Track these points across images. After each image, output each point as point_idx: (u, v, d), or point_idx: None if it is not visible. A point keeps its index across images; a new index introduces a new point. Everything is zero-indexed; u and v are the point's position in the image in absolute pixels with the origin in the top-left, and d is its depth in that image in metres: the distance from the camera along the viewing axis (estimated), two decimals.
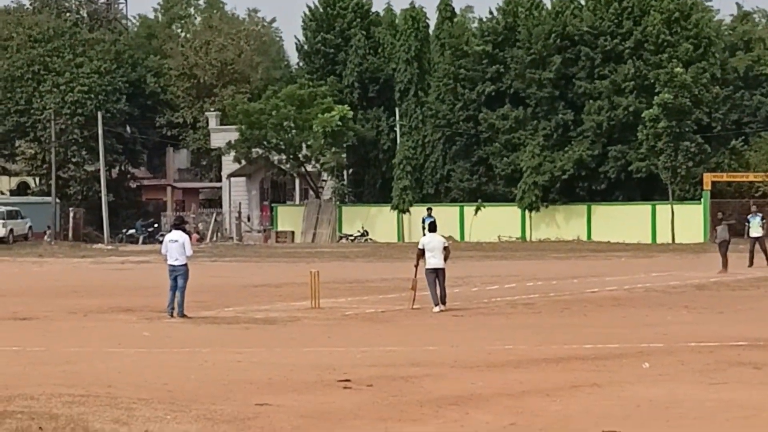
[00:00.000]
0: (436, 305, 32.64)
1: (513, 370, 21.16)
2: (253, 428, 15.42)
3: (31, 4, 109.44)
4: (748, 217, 65.07)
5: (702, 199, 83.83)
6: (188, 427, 15.32)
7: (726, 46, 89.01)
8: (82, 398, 17.26)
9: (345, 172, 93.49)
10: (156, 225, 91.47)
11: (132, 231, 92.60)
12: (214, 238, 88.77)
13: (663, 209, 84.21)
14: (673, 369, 21.06)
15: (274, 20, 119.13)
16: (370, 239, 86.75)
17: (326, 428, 15.41)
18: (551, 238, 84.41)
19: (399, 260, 59.25)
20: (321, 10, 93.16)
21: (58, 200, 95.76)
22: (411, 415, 16.34)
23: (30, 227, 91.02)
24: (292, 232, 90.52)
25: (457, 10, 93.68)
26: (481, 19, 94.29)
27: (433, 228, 36.17)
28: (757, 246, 55.37)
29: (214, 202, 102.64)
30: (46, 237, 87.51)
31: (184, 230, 34.62)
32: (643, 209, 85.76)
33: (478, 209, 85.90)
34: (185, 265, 31.82)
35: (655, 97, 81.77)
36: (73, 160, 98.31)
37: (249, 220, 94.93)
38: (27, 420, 15.30)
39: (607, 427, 15.10)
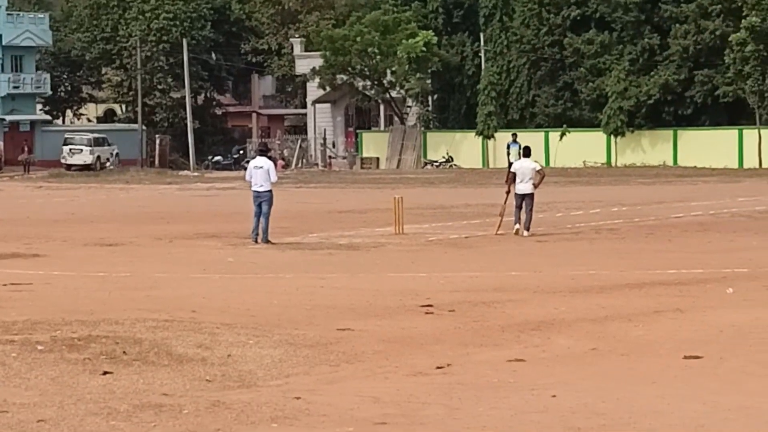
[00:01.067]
0: (516, 225, 32.71)
1: (595, 295, 21.09)
2: (335, 353, 15.42)
3: None
4: None
5: None
6: (270, 351, 15.36)
7: None
8: (165, 323, 17.37)
9: (430, 98, 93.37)
10: (242, 151, 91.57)
11: (218, 158, 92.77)
12: (299, 165, 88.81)
13: (750, 134, 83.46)
14: (758, 294, 20.94)
15: None
16: (455, 165, 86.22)
17: (407, 353, 15.39)
18: (637, 164, 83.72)
19: (483, 186, 59.14)
20: None
21: (144, 127, 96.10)
22: (492, 339, 16.32)
23: (117, 154, 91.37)
24: (377, 159, 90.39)
25: None
26: None
27: (527, 153, 36.58)
28: None
29: (299, 128, 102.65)
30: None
31: (269, 157, 34.95)
32: (730, 134, 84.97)
33: (563, 135, 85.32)
34: (270, 191, 31.95)
35: (743, 21, 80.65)
36: (159, 87, 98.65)
37: (334, 146, 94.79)
38: (111, 344, 15.43)
39: (689, 352, 15.00)
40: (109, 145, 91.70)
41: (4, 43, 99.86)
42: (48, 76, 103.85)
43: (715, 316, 18.26)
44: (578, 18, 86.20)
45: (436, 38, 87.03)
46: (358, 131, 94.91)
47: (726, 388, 13.02)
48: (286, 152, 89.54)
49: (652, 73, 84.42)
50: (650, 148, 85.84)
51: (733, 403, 12.09)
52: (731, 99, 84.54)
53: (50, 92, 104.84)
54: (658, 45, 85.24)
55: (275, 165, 36.42)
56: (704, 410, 11.87)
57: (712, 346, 15.60)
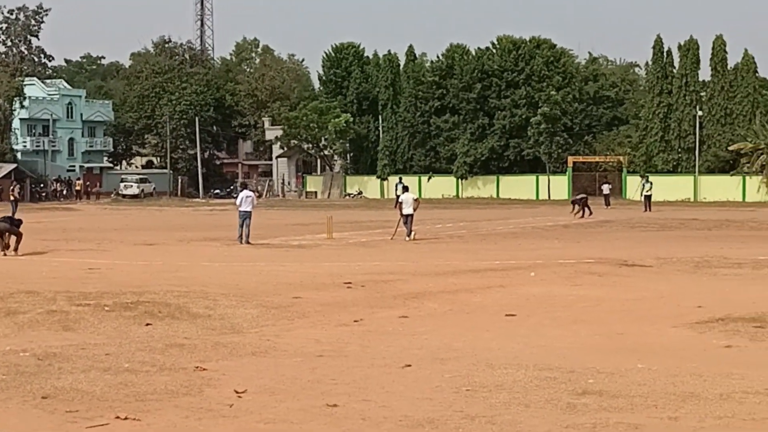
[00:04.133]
0: (408, 235, 32.96)
1: (450, 276, 21.21)
2: (292, 311, 15.61)
3: (153, 49, 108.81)
4: (602, 186, 66.51)
5: (566, 173, 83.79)
6: (251, 311, 15.52)
7: (582, 77, 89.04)
8: (185, 293, 17.38)
9: (348, 155, 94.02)
10: (232, 187, 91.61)
11: (217, 191, 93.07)
12: (267, 196, 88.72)
13: (543, 179, 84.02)
14: (549, 276, 21.13)
15: (303, 59, 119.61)
16: (364, 196, 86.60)
17: (336, 312, 15.59)
18: (474, 197, 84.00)
19: (381, 210, 59.29)
20: (333, 54, 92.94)
21: (171, 171, 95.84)
22: (388, 303, 16.54)
23: (154, 188, 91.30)
24: (316, 192, 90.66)
25: (417, 54, 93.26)
26: (432, 60, 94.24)
27: (406, 189, 37.99)
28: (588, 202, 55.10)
29: (267, 173, 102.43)
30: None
31: (251, 190, 35.47)
32: (530, 178, 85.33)
33: (429, 178, 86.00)
34: (250, 211, 32.06)
35: (539, 110, 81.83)
36: (181, 146, 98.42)
37: (289, 184, 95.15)
38: (151, 307, 15.49)
39: (508, 312, 15.25)
40: (149, 182, 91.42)
41: (84, 119, 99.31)
42: (111, 139, 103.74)
43: (523, 289, 18.47)
44: (439, 107, 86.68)
45: (352, 118, 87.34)
46: (304, 175, 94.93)
47: (532, 333, 13.25)
48: (259, 188, 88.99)
49: (484, 141, 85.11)
50: (483, 187, 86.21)
51: (536, 343, 12.29)
52: (531, 157, 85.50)
53: (112, 149, 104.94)
54: (488, 123, 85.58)
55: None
56: (519, 347, 12.05)
57: (523, 308, 15.84)
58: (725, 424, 8.45)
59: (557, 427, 8.24)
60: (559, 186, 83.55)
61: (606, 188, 67.41)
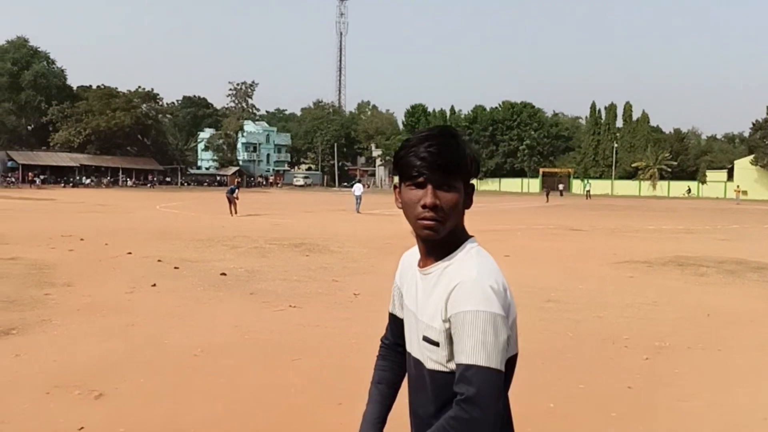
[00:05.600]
0: None
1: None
2: (385, 250, 15.09)
3: (313, 105, 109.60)
4: (559, 185, 65.33)
5: (539, 177, 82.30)
6: (363, 250, 15.15)
7: (549, 124, 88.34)
8: (327, 239, 17.12)
9: None
10: (352, 182, 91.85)
11: (345, 184, 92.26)
12: (371, 187, 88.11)
13: (525, 180, 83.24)
14: (529, 235, 20.40)
15: (394, 112, 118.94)
16: None
17: None
18: (486, 190, 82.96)
19: None
20: (410, 109, 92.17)
21: (321, 173, 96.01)
22: None
23: (312, 182, 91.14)
24: None
25: (456, 110, 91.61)
26: (465, 113, 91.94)
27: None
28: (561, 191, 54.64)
29: (372, 174, 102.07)
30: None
31: (362, 183, 34.58)
32: (518, 180, 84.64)
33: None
34: (360, 195, 31.54)
35: (524, 142, 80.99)
36: (326, 159, 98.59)
37: (384, 181, 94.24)
38: (309, 246, 15.19)
39: (506, 254, 14.74)
40: (309, 178, 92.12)
41: (275, 143, 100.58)
42: (289, 155, 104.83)
43: (514, 242, 17.83)
44: (467, 140, 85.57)
45: None
46: (393, 176, 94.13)
47: (519, 266, 12.77)
48: (367, 182, 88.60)
49: (493, 158, 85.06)
50: (491, 185, 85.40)
51: (521, 272, 11.83)
52: (519, 168, 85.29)
53: (289, 160, 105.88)
54: (495, 149, 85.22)
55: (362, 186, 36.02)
56: (509, 273, 11.62)
57: (514, 252, 15.20)
58: (628, 320, 8.22)
59: (533, 319, 8.07)
60: (534, 185, 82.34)
61: (561, 186, 67.53)
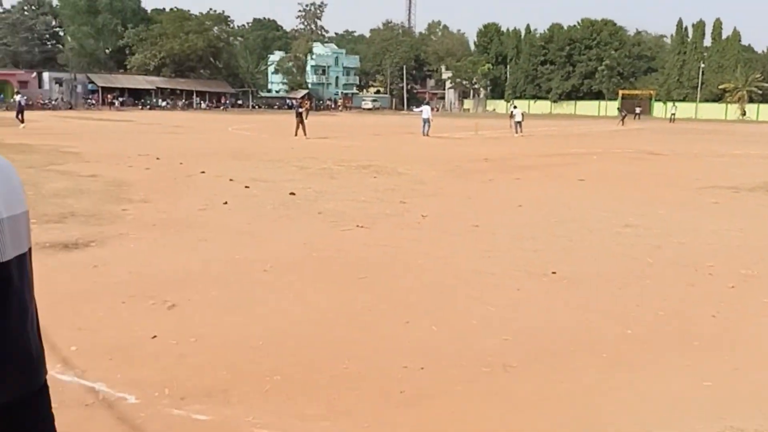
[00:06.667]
0: (517, 133, 31.36)
1: (544, 157, 19.83)
2: (453, 173, 14.92)
3: (383, 26, 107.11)
4: (636, 108, 62.13)
5: (617, 100, 78.27)
6: (431, 172, 14.92)
7: (631, 43, 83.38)
8: (395, 161, 16.93)
9: (488, 88, 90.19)
10: (421, 105, 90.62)
11: (412, 107, 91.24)
12: (440, 110, 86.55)
13: (603, 103, 79.65)
14: (605, 159, 19.70)
15: (465, 33, 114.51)
16: (496, 111, 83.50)
17: (478, 174, 14.79)
18: (561, 113, 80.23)
19: (504, 119, 57.11)
20: (483, 29, 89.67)
21: (389, 95, 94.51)
22: (508, 171, 15.54)
23: (380, 105, 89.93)
24: (468, 109, 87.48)
25: (531, 29, 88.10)
26: (540, 32, 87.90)
27: (514, 107, 34.82)
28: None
29: (441, 98, 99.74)
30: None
31: (430, 106, 33.75)
32: (596, 103, 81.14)
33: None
34: (428, 118, 30.84)
35: (603, 62, 77.23)
36: (395, 82, 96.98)
37: (453, 104, 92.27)
38: (377, 168, 15.14)
39: (580, 178, 14.23)
40: (377, 101, 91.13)
41: (343, 66, 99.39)
42: (357, 77, 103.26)
43: (589, 166, 17.25)
44: (543, 60, 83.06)
45: (492, 66, 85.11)
46: (462, 99, 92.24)
47: (594, 191, 12.36)
48: (436, 105, 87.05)
49: (569, 80, 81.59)
50: (566, 108, 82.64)
51: (596, 196, 11.43)
52: (597, 90, 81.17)
53: (358, 83, 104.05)
54: (572, 70, 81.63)
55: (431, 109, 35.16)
56: (585, 198, 11.25)
57: (589, 176, 14.76)
58: (712, 247, 7.77)
59: (609, 245, 7.76)
60: (612, 108, 78.77)
61: (638, 110, 64.66)
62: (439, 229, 8.54)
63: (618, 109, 66.86)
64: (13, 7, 77.98)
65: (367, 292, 5.62)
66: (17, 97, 31.98)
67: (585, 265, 6.80)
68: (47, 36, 78.99)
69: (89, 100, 65.78)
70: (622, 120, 50.83)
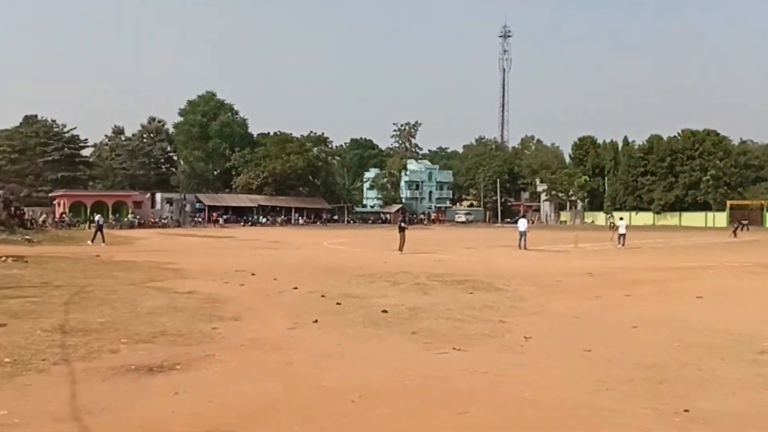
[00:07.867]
0: (620, 245, 30.04)
1: (655, 271, 18.55)
2: (555, 289, 14.04)
3: (475, 142, 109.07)
4: (742, 221, 58.20)
5: (725, 211, 74.70)
6: (531, 288, 14.09)
7: (736, 152, 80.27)
8: (491, 275, 16.28)
9: (585, 200, 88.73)
10: (516, 218, 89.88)
11: (508, 220, 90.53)
12: (536, 223, 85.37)
13: (710, 214, 76.00)
14: (721, 273, 18.11)
15: (559, 146, 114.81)
16: (595, 223, 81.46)
17: (584, 291, 13.87)
18: (665, 225, 77.00)
19: (606, 232, 54.96)
20: (578, 142, 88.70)
21: (483, 209, 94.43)
22: (617, 286, 14.45)
23: (474, 218, 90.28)
24: (565, 221, 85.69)
25: (629, 141, 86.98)
26: (638, 144, 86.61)
27: (621, 219, 33.94)
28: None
29: (537, 210, 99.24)
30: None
31: (526, 219, 32.97)
32: (702, 214, 77.36)
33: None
34: (524, 231, 30.20)
35: (708, 173, 74.44)
36: (488, 195, 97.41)
37: (549, 217, 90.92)
38: (472, 282, 14.55)
39: (698, 294, 13.00)
40: (471, 215, 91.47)
41: (437, 181, 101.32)
42: (451, 192, 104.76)
43: (705, 281, 15.86)
44: (643, 171, 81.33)
45: (588, 178, 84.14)
46: (559, 211, 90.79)
47: (716, 309, 11.11)
48: (531, 218, 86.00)
49: (671, 191, 78.82)
50: (670, 219, 79.29)
51: (720, 316, 10.22)
52: (702, 201, 77.67)
53: (451, 197, 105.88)
54: (674, 181, 79.02)
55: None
56: (709, 318, 10.07)
57: (707, 293, 13.45)
58: None
59: (747, 375, 6.69)
60: (720, 219, 75.01)
61: (745, 222, 60.71)
62: (544, 353, 7.75)
63: (730, 221, 63.43)
64: (133, 135, 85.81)
65: (467, 431, 4.93)
66: (96, 218, 33.95)
67: (722, 401, 5.82)
68: (162, 160, 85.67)
69: (196, 218, 69.63)
70: (734, 231, 47.91)
